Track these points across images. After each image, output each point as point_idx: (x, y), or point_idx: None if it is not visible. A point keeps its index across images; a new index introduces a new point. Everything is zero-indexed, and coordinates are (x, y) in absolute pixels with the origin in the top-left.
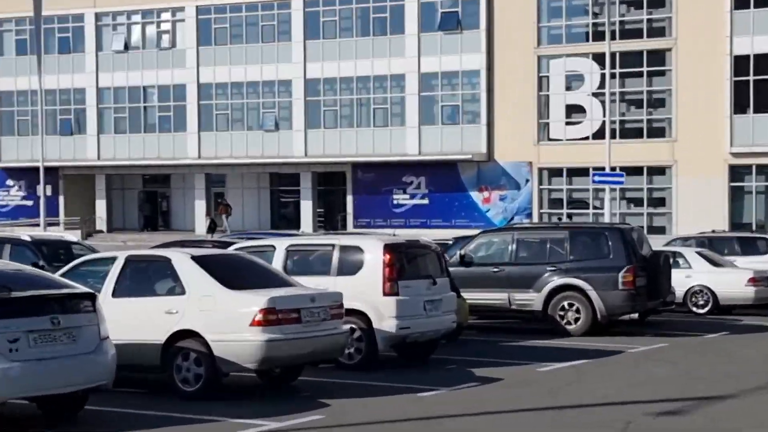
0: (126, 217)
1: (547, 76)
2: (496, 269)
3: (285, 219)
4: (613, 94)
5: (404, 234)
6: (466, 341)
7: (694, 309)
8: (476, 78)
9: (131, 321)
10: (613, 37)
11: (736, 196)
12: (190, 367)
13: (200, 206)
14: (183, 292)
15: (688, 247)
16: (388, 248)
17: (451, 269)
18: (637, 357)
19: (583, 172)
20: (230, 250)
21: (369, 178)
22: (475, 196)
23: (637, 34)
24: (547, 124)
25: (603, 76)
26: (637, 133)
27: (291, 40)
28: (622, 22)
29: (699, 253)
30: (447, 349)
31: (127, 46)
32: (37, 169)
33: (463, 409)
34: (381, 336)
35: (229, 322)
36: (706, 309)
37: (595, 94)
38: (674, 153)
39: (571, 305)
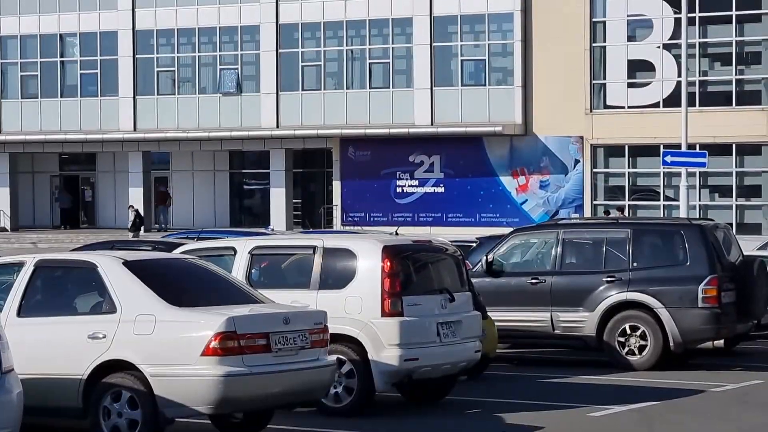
0: (37, 210)
1: (604, 22)
2: (534, 281)
3: (249, 213)
4: (691, 46)
5: (411, 233)
6: (493, 377)
7: None
8: (508, 23)
9: (43, 349)
10: None
11: None
12: (123, 410)
13: (136, 195)
14: (113, 310)
15: None
16: (389, 252)
17: (474, 280)
18: (723, 399)
19: (651, 150)
20: (176, 253)
21: (363, 158)
22: (507, 182)
23: None
24: (603, 86)
25: (678, 21)
26: (723, 99)
27: None
28: None
29: None
30: (468, 387)
31: None
32: None
33: None
34: (379, 370)
35: (175, 351)
36: None
37: (667, 47)
38: None
39: (634, 329)
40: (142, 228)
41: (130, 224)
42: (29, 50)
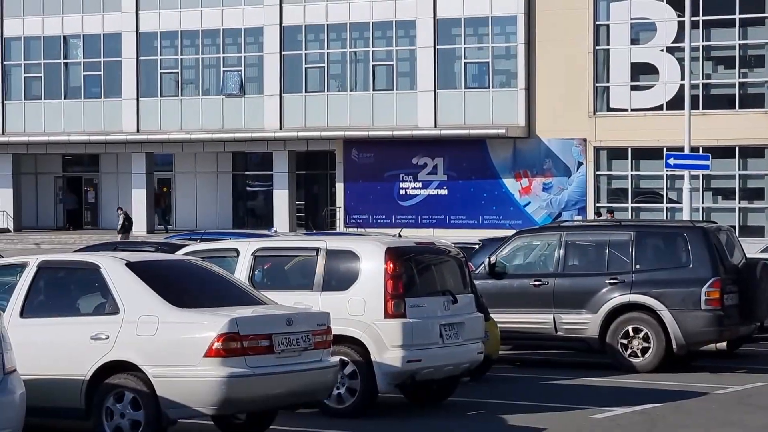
0: (40, 212)
1: (607, 25)
2: (537, 282)
3: (252, 214)
4: (695, 49)
5: (414, 235)
6: (496, 379)
7: None
8: (512, 26)
9: (46, 350)
10: None
11: None
12: (126, 411)
13: (140, 196)
14: (116, 311)
15: None
16: (392, 254)
17: (477, 282)
18: (725, 401)
19: (654, 153)
20: (179, 255)
21: (366, 160)
22: (510, 184)
23: None
24: (607, 89)
25: (681, 25)
26: (726, 102)
27: None
28: None
29: None
30: (471, 389)
31: None
32: None
33: None
34: (382, 371)
35: (178, 352)
36: None
37: (670, 50)
38: None
39: (637, 331)
40: (131, 231)
41: (119, 227)
42: (33, 52)
